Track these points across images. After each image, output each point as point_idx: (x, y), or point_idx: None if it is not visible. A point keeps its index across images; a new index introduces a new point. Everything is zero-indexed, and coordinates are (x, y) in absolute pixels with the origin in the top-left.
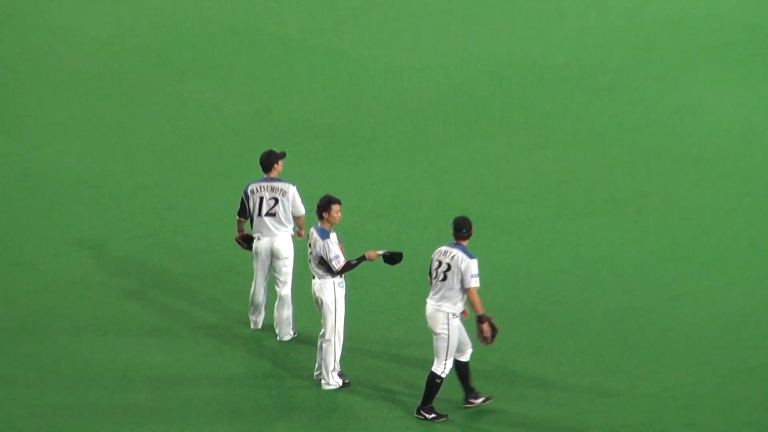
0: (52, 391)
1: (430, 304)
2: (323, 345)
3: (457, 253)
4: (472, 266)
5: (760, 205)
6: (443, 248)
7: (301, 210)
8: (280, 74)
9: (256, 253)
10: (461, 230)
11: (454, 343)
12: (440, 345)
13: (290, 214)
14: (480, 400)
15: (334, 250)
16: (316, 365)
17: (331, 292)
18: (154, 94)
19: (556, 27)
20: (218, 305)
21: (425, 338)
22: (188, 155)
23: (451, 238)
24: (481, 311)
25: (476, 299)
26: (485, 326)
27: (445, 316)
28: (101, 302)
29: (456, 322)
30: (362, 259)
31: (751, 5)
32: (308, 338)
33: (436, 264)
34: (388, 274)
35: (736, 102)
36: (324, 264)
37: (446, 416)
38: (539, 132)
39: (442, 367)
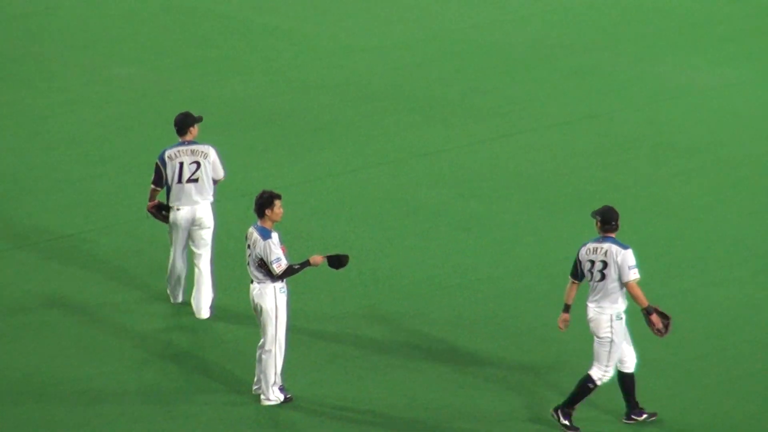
0: None
1: (592, 307)
2: (263, 356)
3: (609, 246)
4: (628, 257)
5: (745, 199)
6: (590, 245)
7: (221, 173)
8: (216, 56)
9: (175, 225)
10: (610, 223)
11: (618, 348)
12: (602, 350)
13: (211, 179)
14: (643, 417)
15: (275, 252)
16: (255, 379)
17: (272, 298)
18: (77, 79)
19: (521, 3)
20: (147, 312)
21: (375, 348)
22: (115, 147)
23: (597, 232)
24: (645, 303)
25: (638, 291)
26: (654, 317)
27: (609, 319)
28: (18, 309)
29: (621, 325)
30: (306, 263)
31: None
32: (246, 349)
33: (588, 265)
34: (334, 279)
35: (720, 85)
36: (264, 267)
37: (578, 429)
38: (501, 119)
39: (601, 373)
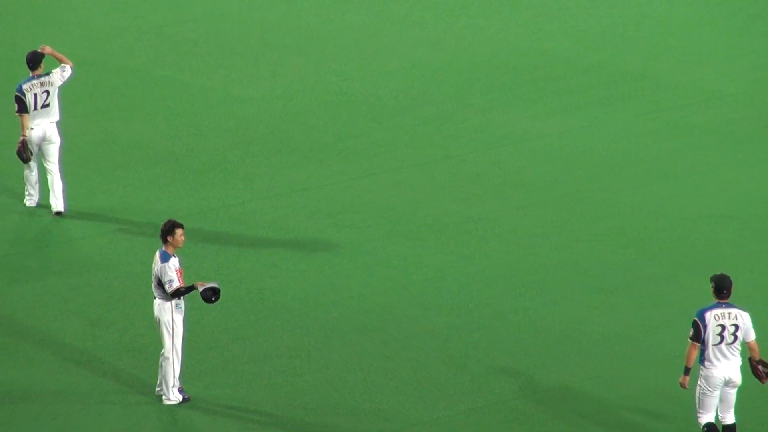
0: None
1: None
2: (163, 363)
3: (739, 311)
4: (749, 318)
5: (577, 230)
6: (716, 311)
7: (68, 73)
8: (123, 103)
9: (30, 143)
10: (722, 291)
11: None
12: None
13: (57, 99)
14: None
15: (169, 274)
16: (158, 381)
17: (170, 313)
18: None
19: (385, 60)
20: (63, 325)
21: (261, 356)
22: None
23: (713, 299)
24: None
25: (757, 345)
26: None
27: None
28: None
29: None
30: (192, 288)
31: (569, 40)
32: (150, 356)
33: (718, 329)
34: (227, 294)
35: (557, 131)
36: (162, 286)
37: None
38: (370, 160)
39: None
